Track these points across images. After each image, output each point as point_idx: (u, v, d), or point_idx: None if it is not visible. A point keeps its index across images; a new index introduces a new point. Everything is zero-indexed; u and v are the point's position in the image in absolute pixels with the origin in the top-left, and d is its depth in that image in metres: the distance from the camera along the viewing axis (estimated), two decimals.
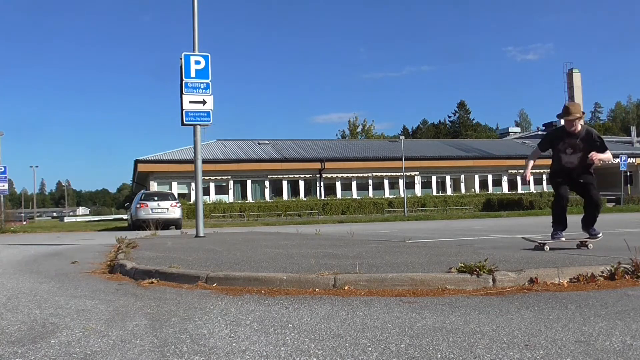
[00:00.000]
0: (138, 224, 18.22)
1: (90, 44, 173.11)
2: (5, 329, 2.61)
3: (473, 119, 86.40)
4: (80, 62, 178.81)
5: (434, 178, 39.19)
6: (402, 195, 34.26)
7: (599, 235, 5.84)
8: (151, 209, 20.28)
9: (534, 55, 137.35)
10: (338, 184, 36.72)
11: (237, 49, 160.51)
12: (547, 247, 5.51)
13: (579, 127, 5.73)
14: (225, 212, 31.62)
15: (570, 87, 62.25)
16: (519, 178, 40.58)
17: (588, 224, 5.89)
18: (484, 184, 39.97)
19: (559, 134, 5.91)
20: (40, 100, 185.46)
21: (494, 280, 3.34)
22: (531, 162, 6.21)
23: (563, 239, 5.82)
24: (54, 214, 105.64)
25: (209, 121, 9.88)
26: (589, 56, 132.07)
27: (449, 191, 39.25)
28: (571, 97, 62.05)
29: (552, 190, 6.38)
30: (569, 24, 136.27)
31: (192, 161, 10.53)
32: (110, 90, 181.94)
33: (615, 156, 38.65)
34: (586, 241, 5.81)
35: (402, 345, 2.09)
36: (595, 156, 5.59)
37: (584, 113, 5.80)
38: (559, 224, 5.86)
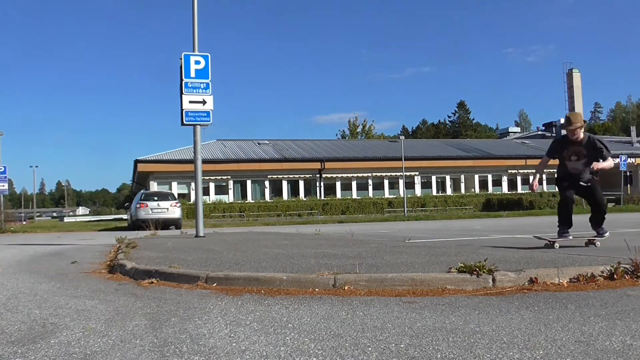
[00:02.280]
0: (138, 224, 18.21)
1: (90, 44, 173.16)
2: (5, 329, 2.61)
3: (473, 119, 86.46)
4: (80, 62, 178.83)
5: (433, 178, 39.20)
6: (402, 195, 34.27)
7: (606, 234, 6.16)
8: (151, 209, 20.28)
9: (534, 58, 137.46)
10: (338, 184, 36.73)
11: (238, 49, 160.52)
12: (557, 245, 5.82)
13: (581, 135, 6.02)
14: (225, 212, 31.63)
15: (570, 87, 62.26)
16: (519, 178, 40.60)
17: (595, 224, 6.20)
18: (483, 184, 39.98)
19: (564, 142, 6.22)
20: (41, 100, 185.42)
21: (493, 280, 3.34)
22: (539, 174, 6.56)
23: (571, 237, 6.08)
24: (54, 214, 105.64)
25: (209, 121, 9.88)
26: (589, 56, 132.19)
27: (448, 191, 39.27)
28: (571, 97, 62.08)
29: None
30: (570, 25, 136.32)
31: (192, 161, 10.53)
32: (110, 90, 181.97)
33: (615, 156, 38.71)
34: (594, 239, 6.12)
35: (402, 345, 2.09)
36: (597, 166, 5.94)
37: (585, 122, 6.08)
38: (565, 224, 6.12)
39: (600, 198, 6.16)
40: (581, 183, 6.07)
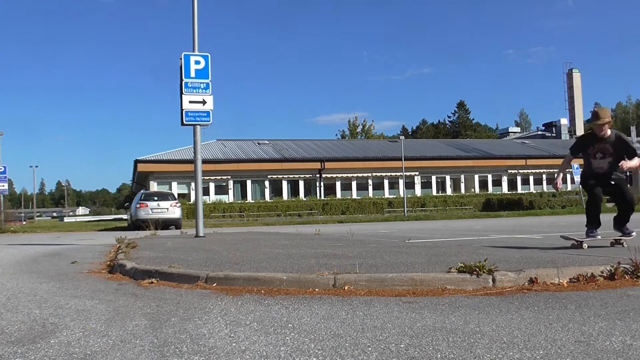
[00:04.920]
0: (138, 224, 18.21)
1: (89, 44, 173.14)
2: (5, 329, 2.61)
3: (473, 119, 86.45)
4: (80, 62, 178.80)
5: (433, 178, 39.19)
6: (402, 195, 34.26)
7: (633, 234, 5.94)
8: (151, 209, 20.27)
9: (535, 59, 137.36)
10: (338, 184, 36.73)
11: (238, 49, 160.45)
12: (585, 245, 5.65)
13: (609, 132, 5.75)
14: (225, 212, 31.62)
15: (570, 87, 62.25)
16: (519, 178, 40.60)
17: (621, 223, 5.97)
18: (483, 184, 39.97)
19: (589, 139, 5.96)
20: (40, 100, 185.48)
21: (493, 280, 3.34)
22: (562, 172, 6.26)
23: (599, 237, 5.88)
24: (54, 214, 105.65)
25: (209, 121, 9.89)
26: (589, 56, 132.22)
27: (448, 191, 39.26)
28: (571, 97, 62.08)
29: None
30: (570, 27, 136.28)
31: (192, 161, 10.53)
32: (110, 90, 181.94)
33: None
34: (620, 239, 5.92)
35: (402, 345, 2.09)
36: (626, 165, 5.72)
37: (612, 117, 5.87)
38: (593, 223, 5.90)
39: (630, 197, 5.96)
40: (611, 182, 5.84)
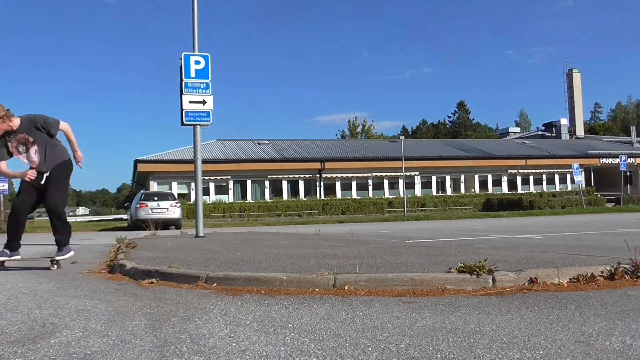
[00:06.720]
0: (138, 224, 18.22)
1: (90, 44, 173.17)
2: (5, 329, 2.61)
3: (473, 119, 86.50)
4: (80, 63, 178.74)
5: (433, 178, 39.21)
6: (402, 195, 34.27)
7: (69, 254, 5.30)
8: (151, 209, 20.29)
9: (535, 59, 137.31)
10: (338, 184, 36.74)
11: (238, 49, 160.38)
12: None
13: (15, 122, 5.09)
14: (225, 212, 31.63)
15: (570, 87, 62.25)
16: (519, 178, 40.61)
17: (58, 242, 5.27)
18: (483, 184, 39.99)
19: (3, 138, 5.21)
20: (40, 100, 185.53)
21: (493, 280, 3.34)
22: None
23: (17, 257, 5.24)
24: None
25: (209, 121, 9.90)
26: (589, 56, 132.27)
27: (448, 191, 39.27)
28: (571, 97, 62.09)
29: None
30: (570, 27, 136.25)
31: (192, 161, 10.54)
32: (110, 90, 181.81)
33: (615, 156, 38.68)
34: (54, 258, 5.31)
35: (402, 345, 2.09)
36: (78, 157, 5.29)
37: (8, 110, 5.11)
38: (11, 242, 5.18)
39: (55, 203, 5.06)
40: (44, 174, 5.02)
